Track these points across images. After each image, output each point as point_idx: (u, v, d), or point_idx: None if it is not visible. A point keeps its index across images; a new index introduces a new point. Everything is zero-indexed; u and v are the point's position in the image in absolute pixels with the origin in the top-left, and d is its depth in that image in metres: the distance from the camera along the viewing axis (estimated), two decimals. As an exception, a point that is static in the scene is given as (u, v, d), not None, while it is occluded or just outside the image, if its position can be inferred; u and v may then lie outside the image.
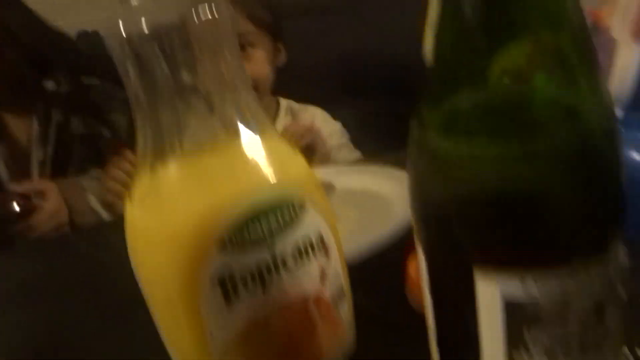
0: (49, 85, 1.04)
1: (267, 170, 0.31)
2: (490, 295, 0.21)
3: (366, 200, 0.59)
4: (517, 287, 0.21)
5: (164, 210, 0.30)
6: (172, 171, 0.30)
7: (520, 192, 0.21)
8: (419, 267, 0.25)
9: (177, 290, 0.30)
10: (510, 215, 0.20)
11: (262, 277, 0.31)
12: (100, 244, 0.65)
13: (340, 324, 0.35)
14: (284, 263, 0.31)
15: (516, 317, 0.21)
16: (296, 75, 1.06)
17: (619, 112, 0.22)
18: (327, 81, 1.12)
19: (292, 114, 1.07)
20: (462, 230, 0.22)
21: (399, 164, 0.61)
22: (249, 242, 0.30)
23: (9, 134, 1.06)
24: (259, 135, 0.32)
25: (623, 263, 0.22)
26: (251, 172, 0.31)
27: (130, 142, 0.99)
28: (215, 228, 0.29)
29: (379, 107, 1.07)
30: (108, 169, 0.94)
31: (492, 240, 0.21)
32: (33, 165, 1.03)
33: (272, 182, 0.31)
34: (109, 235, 0.69)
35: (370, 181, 0.61)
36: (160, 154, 0.31)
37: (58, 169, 1.01)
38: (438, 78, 0.21)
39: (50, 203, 0.90)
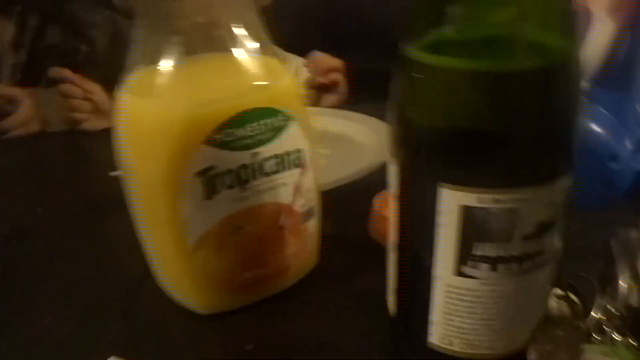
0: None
1: (260, 81, 0.33)
2: (450, 204, 0.24)
3: (341, 141, 0.61)
4: (474, 201, 0.24)
5: (159, 102, 0.32)
6: (170, 68, 0.32)
7: (484, 121, 0.23)
8: (391, 184, 0.27)
9: (161, 177, 0.32)
10: (474, 140, 0.23)
11: (240, 177, 0.33)
12: (70, 148, 0.66)
13: (307, 238, 0.38)
14: (262, 169, 0.33)
15: (469, 227, 0.25)
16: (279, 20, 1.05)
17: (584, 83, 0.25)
18: (308, 32, 1.12)
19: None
20: (432, 149, 0.24)
21: (377, 114, 0.64)
22: (233, 142, 0.32)
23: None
24: (257, 49, 0.34)
25: (565, 199, 0.25)
26: (244, 79, 0.33)
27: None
28: (204, 123, 0.31)
29: (358, 62, 1.08)
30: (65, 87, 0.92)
31: (457, 161, 0.24)
32: (5, 69, 1.00)
33: (263, 92, 0.33)
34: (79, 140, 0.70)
35: (347, 125, 0.64)
36: (159, 51, 0.32)
37: (30, 76, 0.99)
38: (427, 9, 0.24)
39: (22, 111, 0.88)
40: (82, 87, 0.86)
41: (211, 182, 0.32)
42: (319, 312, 0.36)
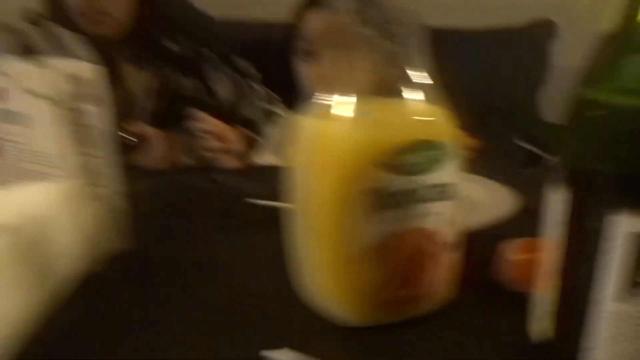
0: (171, 46, 1.15)
1: (421, 120, 0.38)
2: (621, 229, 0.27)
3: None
4: None
5: (340, 124, 0.37)
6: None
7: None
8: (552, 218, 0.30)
9: (333, 192, 0.36)
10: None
11: (402, 200, 0.37)
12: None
13: (451, 269, 0.41)
14: (424, 196, 0.37)
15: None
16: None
17: None
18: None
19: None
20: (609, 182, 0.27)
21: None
22: (401, 167, 0.36)
23: (121, 82, 1.17)
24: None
25: None
26: (411, 119, 0.38)
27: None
28: (377, 147, 0.36)
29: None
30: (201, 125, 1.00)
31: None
32: (142, 114, 1.13)
33: (430, 127, 0.37)
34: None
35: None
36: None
37: (165, 122, 1.11)
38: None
39: (156, 149, 0.98)
40: (215, 126, 0.94)
41: (376, 201, 0.36)
42: (459, 335, 0.38)
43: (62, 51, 0.48)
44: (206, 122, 0.95)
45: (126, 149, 0.93)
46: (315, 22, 1.11)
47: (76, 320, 0.39)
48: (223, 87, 1.21)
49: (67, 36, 0.49)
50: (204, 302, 0.44)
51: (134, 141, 0.94)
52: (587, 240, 0.29)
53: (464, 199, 0.41)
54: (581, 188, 0.29)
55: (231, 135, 0.96)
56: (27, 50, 0.48)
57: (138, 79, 1.16)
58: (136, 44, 1.14)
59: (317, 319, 0.40)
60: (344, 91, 0.38)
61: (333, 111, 0.38)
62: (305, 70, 1.12)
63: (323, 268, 0.39)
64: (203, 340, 0.39)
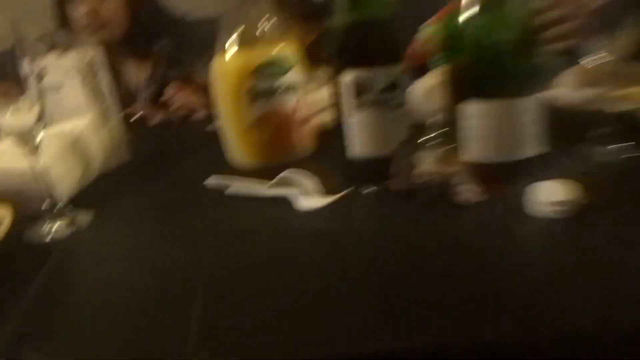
0: (158, 45, 1.48)
1: (280, 48, 0.70)
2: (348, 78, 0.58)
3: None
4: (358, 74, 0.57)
5: (233, 61, 0.69)
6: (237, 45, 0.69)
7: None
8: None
9: (233, 94, 0.68)
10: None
11: (268, 94, 0.69)
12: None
13: (305, 133, 0.73)
14: (279, 90, 0.69)
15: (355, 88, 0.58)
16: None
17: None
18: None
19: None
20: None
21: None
22: (266, 75, 0.68)
23: (122, 78, 1.51)
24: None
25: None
26: (271, 48, 0.70)
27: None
28: (253, 66, 0.67)
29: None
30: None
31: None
32: (138, 96, 1.46)
33: (280, 53, 0.69)
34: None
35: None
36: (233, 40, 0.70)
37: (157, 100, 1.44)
38: None
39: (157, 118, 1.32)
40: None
41: (255, 95, 0.68)
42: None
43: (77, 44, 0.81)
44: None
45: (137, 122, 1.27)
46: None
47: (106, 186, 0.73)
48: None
49: (80, 36, 0.82)
50: (178, 174, 0.76)
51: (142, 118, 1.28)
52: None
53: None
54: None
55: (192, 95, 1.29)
56: (56, 45, 0.81)
57: (135, 73, 1.49)
58: (127, 45, 1.47)
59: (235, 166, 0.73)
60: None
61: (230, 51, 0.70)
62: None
63: (232, 137, 0.72)
64: (178, 183, 0.71)
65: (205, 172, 0.72)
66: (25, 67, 0.57)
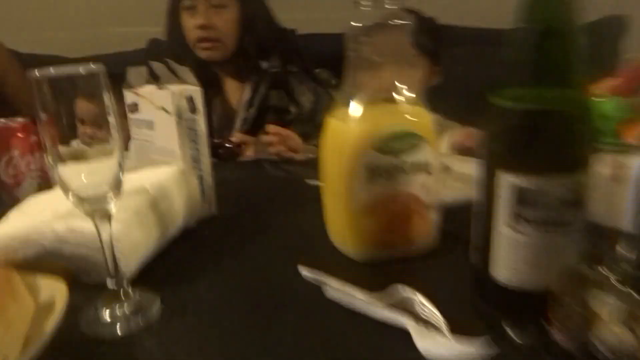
0: (264, 65, 1.39)
1: (406, 117, 0.55)
2: (504, 183, 0.43)
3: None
4: (522, 181, 0.42)
5: (351, 124, 0.55)
6: (358, 108, 0.55)
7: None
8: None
9: (344, 168, 0.55)
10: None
11: (391, 173, 0.54)
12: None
13: (429, 223, 0.58)
14: (404, 170, 0.54)
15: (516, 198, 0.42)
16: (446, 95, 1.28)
17: None
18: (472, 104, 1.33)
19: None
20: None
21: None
22: (388, 151, 0.53)
23: (224, 95, 1.44)
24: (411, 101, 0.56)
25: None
26: (400, 116, 0.55)
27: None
28: (373, 137, 0.53)
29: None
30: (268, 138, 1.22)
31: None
32: (238, 122, 1.39)
33: (407, 124, 0.55)
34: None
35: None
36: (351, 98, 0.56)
37: (254, 128, 1.35)
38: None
39: (249, 152, 1.23)
40: (281, 135, 1.16)
41: (372, 172, 0.54)
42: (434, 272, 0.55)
43: (177, 79, 0.71)
44: (274, 133, 1.17)
45: (228, 154, 1.18)
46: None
47: (180, 256, 0.62)
48: (305, 98, 1.43)
49: (180, 68, 0.71)
50: (264, 249, 0.64)
51: (234, 150, 1.19)
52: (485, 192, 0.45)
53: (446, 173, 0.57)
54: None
55: (296, 139, 1.17)
56: (153, 78, 0.72)
57: (237, 93, 1.42)
58: (236, 63, 1.40)
59: (338, 254, 0.59)
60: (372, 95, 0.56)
61: (349, 111, 0.56)
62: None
63: (338, 220, 0.58)
64: (262, 264, 0.59)
65: (301, 247, 0.61)
66: (109, 99, 0.47)
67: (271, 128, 1.17)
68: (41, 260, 0.55)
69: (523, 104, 0.41)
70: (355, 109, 0.56)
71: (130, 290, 0.52)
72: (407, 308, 0.47)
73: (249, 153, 1.23)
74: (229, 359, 0.44)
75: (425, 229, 0.58)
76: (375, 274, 0.55)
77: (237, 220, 0.73)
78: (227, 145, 1.19)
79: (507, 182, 0.43)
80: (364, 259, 0.57)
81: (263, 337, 0.46)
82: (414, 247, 0.58)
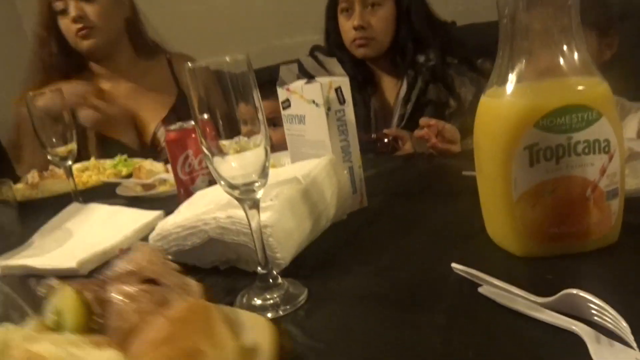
0: (421, 59, 1.35)
1: (576, 88, 0.47)
2: None
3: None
4: None
5: (506, 100, 0.49)
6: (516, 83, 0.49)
7: None
8: None
9: (501, 150, 0.49)
10: None
11: (557, 153, 0.47)
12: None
13: (609, 214, 0.48)
14: (575, 150, 0.46)
15: None
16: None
17: None
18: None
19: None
20: None
21: None
22: (554, 127, 0.46)
23: (381, 92, 1.43)
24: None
25: None
26: (567, 88, 0.47)
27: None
28: (535, 112, 0.46)
29: None
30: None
31: None
32: (395, 117, 1.37)
33: (581, 94, 0.46)
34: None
35: None
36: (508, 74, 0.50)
37: (413, 123, 1.31)
38: None
39: (407, 147, 1.20)
40: (434, 127, 1.10)
41: (535, 154, 0.47)
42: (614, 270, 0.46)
43: (326, 72, 0.71)
44: (426, 125, 1.11)
45: (385, 148, 1.17)
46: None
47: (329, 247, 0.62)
48: (465, 90, 1.35)
49: (328, 61, 0.72)
50: (416, 242, 0.60)
51: (391, 144, 1.17)
52: None
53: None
54: None
55: (449, 130, 1.10)
56: (303, 73, 0.73)
57: (393, 89, 1.40)
58: (392, 59, 1.39)
59: (497, 250, 0.53)
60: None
61: (506, 87, 0.50)
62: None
63: (495, 208, 0.52)
64: (413, 257, 0.56)
65: (455, 242, 0.57)
66: (257, 95, 0.48)
67: (423, 121, 1.12)
68: (206, 248, 0.59)
69: None
70: (513, 84, 0.49)
71: (280, 279, 0.53)
72: (581, 313, 0.39)
73: (407, 147, 1.20)
74: (371, 354, 0.42)
75: (603, 219, 0.49)
76: (542, 273, 0.48)
77: (388, 212, 0.71)
78: (384, 140, 1.18)
79: None
80: (527, 255, 0.50)
81: (410, 335, 0.43)
82: (589, 241, 0.49)
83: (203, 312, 0.38)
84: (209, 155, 0.49)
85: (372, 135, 1.27)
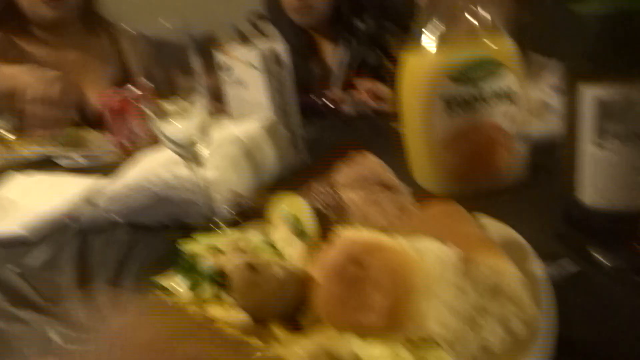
0: (359, 24, 1.39)
1: (484, 43, 0.53)
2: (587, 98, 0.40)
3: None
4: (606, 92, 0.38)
5: (425, 57, 0.54)
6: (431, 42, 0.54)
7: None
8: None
9: (421, 100, 0.54)
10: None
11: (470, 103, 0.53)
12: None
13: (516, 155, 0.55)
14: (485, 99, 0.52)
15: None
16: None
17: None
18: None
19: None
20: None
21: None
22: (466, 79, 0.52)
23: (321, 57, 1.46)
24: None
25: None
26: (476, 44, 0.53)
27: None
28: (447, 68, 0.52)
29: None
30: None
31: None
32: (334, 81, 1.41)
33: (484, 50, 0.52)
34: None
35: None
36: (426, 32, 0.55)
37: (349, 86, 1.36)
38: None
39: (345, 107, 1.25)
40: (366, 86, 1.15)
41: (450, 103, 0.53)
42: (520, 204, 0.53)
43: (265, 37, 0.75)
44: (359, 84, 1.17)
45: (325, 109, 1.21)
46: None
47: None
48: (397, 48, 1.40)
49: (266, 26, 0.75)
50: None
51: (329, 105, 1.22)
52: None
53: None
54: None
55: (380, 88, 1.16)
56: (241, 37, 0.76)
57: (332, 53, 1.44)
58: (330, 25, 1.42)
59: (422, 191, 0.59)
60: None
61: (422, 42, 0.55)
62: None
63: (418, 155, 0.58)
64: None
65: None
66: (196, 61, 0.51)
67: (358, 82, 1.17)
68: (154, 207, 0.62)
69: (604, 6, 0.38)
70: (428, 39, 0.55)
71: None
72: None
73: (345, 107, 1.25)
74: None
75: (510, 161, 0.55)
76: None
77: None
78: (323, 101, 1.22)
79: (589, 95, 0.40)
80: (447, 194, 0.57)
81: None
82: (499, 180, 0.56)
83: (459, 212, 0.38)
84: (153, 117, 0.52)
85: (312, 97, 1.31)
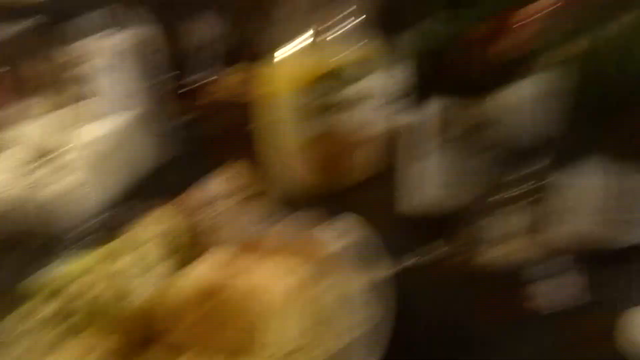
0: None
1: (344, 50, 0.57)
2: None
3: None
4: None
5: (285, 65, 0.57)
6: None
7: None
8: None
9: (283, 107, 0.57)
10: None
11: (330, 106, 0.57)
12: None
13: (374, 152, 0.61)
14: (344, 102, 0.57)
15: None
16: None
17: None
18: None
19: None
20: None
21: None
22: (326, 88, 0.56)
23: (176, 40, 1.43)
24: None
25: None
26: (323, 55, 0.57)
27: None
28: (306, 80, 0.56)
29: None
30: None
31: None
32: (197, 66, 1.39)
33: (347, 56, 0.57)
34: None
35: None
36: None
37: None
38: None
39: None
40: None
41: (311, 108, 0.57)
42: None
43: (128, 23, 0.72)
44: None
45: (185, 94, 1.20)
46: None
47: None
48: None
49: (131, 13, 0.73)
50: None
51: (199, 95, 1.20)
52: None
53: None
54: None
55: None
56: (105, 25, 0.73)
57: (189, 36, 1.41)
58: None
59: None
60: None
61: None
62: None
63: (281, 155, 0.62)
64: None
65: None
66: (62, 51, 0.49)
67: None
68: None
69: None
70: (287, 45, 0.57)
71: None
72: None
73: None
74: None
75: (369, 157, 0.62)
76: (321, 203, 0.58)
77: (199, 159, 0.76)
78: (191, 92, 1.21)
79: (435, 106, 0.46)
80: (306, 196, 0.60)
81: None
82: (360, 174, 0.61)
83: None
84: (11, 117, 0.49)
85: (180, 85, 1.29)
